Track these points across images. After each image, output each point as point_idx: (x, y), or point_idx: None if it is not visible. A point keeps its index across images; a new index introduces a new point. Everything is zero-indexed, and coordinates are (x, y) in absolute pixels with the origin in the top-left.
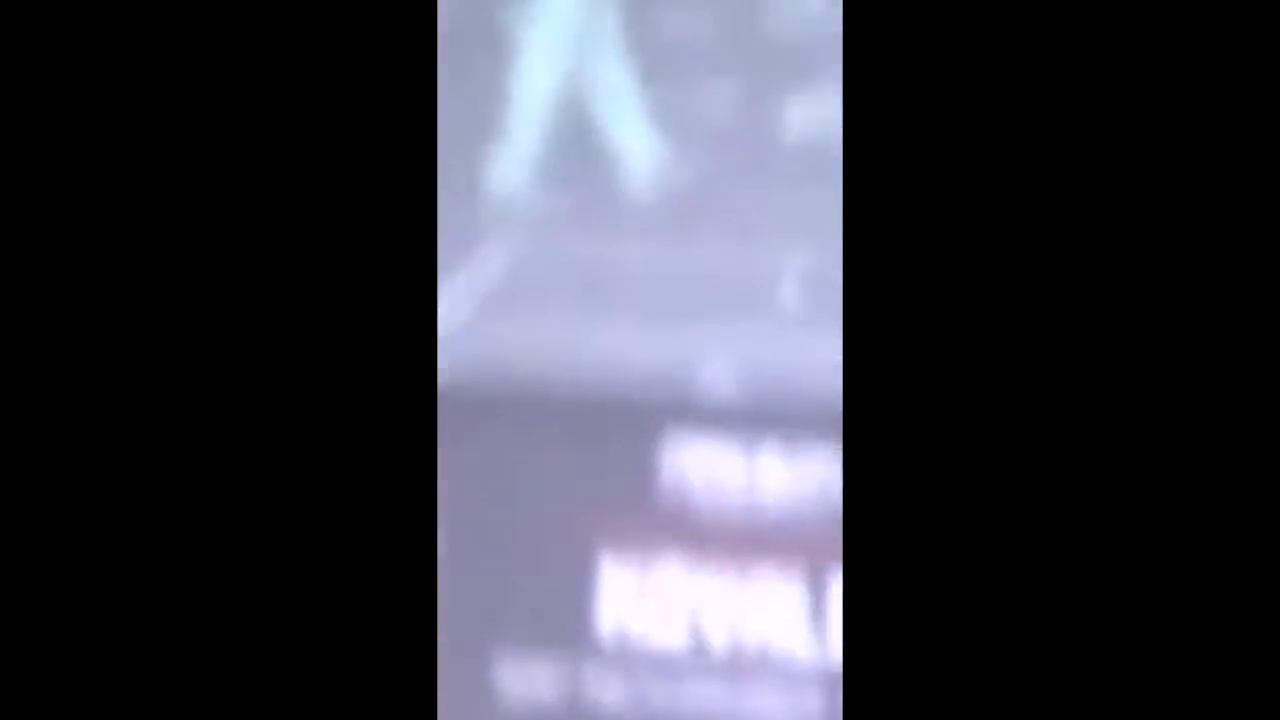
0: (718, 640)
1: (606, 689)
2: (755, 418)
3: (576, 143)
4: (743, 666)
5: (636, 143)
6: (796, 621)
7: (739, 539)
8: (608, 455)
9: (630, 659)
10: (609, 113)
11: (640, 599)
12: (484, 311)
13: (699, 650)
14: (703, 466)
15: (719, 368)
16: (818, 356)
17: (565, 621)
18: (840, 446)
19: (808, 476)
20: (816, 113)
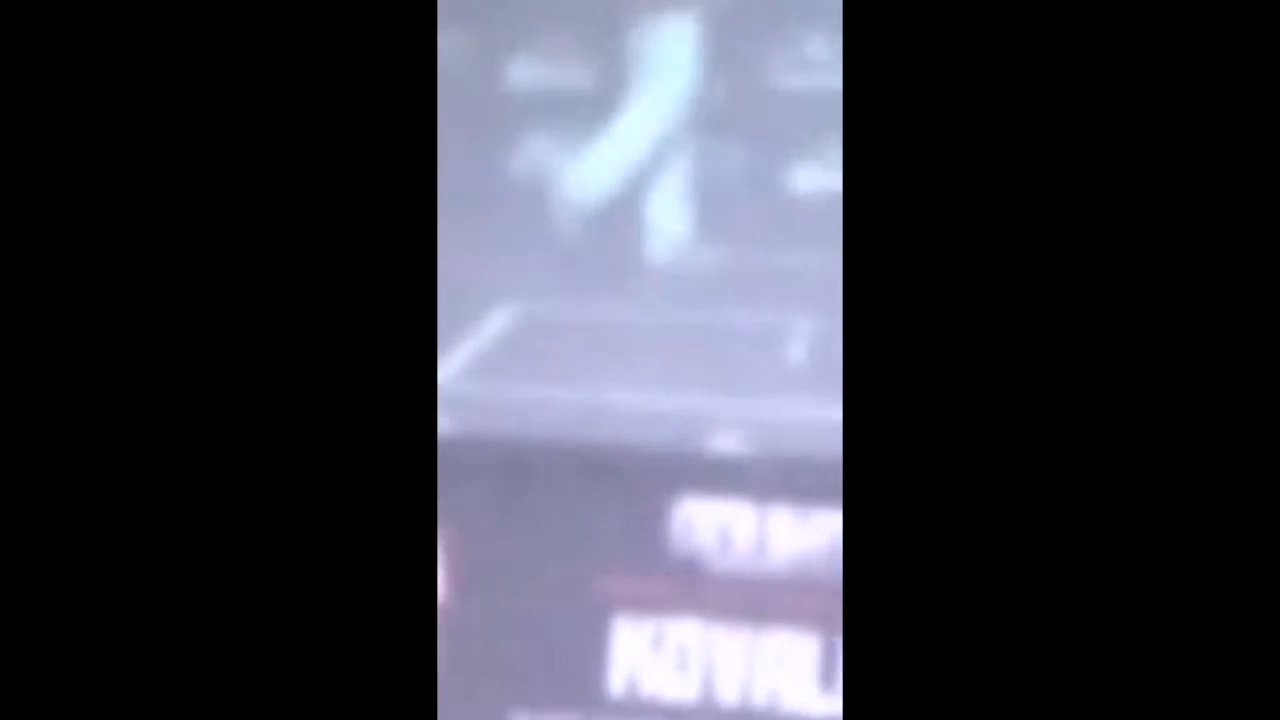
0: (728, 696)
1: None
2: (766, 477)
3: (622, 205)
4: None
5: (671, 217)
6: (806, 678)
7: (751, 597)
8: (620, 514)
9: (641, 712)
10: (660, 184)
11: (653, 657)
12: (497, 368)
13: (709, 705)
14: (715, 525)
15: (730, 427)
16: (825, 415)
17: (578, 680)
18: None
19: (818, 534)
20: (823, 174)
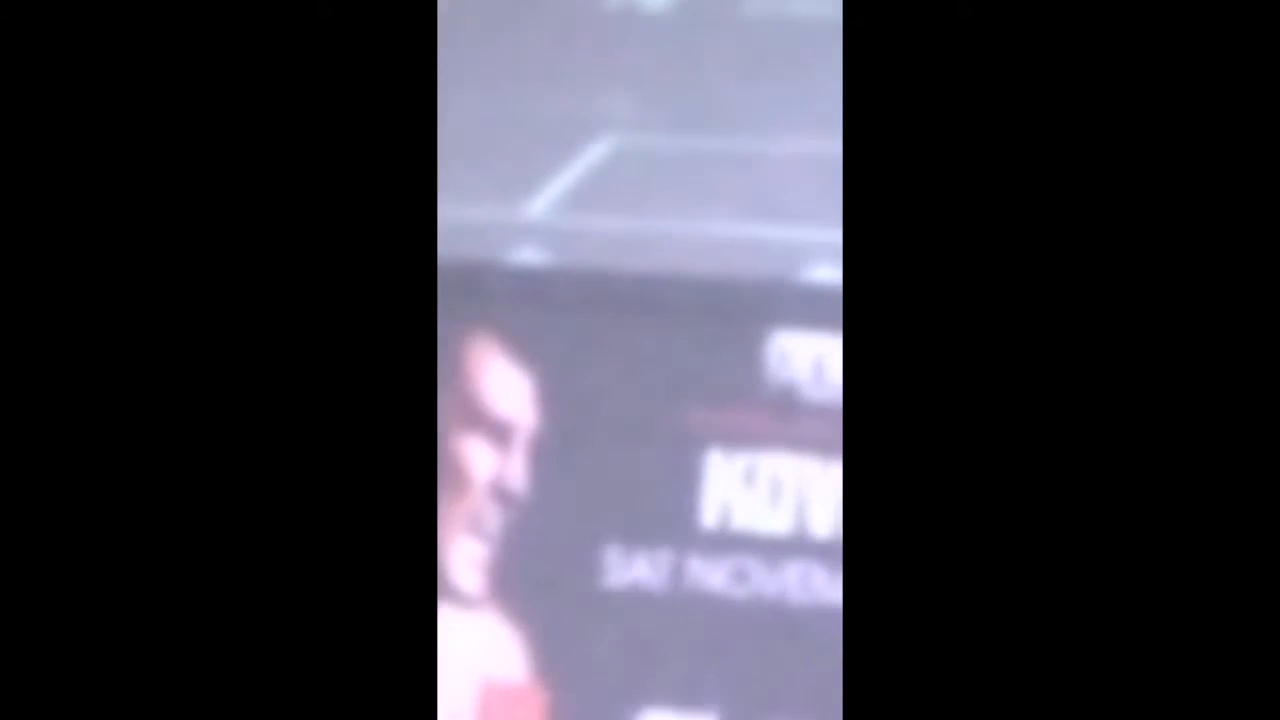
0: (821, 529)
1: (710, 571)
2: None
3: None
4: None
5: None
6: None
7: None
8: (714, 347)
9: (734, 545)
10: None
11: (745, 490)
12: (593, 200)
13: (802, 538)
14: (809, 357)
15: (826, 258)
16: None
17: (670, 514)
18: None
19: None
20: None
